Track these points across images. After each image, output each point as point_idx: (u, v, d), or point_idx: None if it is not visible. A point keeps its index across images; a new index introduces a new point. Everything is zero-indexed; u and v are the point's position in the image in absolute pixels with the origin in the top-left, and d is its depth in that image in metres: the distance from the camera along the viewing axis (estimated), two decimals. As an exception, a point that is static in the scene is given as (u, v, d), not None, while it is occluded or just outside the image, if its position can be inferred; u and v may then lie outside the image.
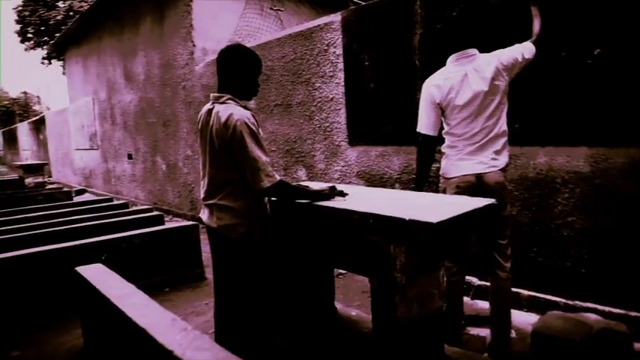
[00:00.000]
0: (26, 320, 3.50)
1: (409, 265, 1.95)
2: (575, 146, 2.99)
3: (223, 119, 2.11)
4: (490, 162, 2.56)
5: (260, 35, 6.70)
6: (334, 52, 4.52)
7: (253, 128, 2.11)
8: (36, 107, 27.95)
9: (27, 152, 22.30)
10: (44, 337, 3.29)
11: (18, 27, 24.44)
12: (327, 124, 4.70)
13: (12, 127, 27.08)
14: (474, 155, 2.58)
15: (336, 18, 4.48)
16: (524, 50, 2.56)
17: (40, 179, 11.25)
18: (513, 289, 3.12)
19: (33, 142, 20.85)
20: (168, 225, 4.99)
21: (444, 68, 2.67)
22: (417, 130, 2.72)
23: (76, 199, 11.20)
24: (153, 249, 4.23)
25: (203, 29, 7.13)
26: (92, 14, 10.41)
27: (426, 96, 2.69)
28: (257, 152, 2.07)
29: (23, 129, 23.06)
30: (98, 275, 2.71)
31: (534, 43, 2.61)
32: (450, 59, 2.65)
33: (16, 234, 4.74)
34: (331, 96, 4.61)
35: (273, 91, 5.44)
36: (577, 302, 2.97)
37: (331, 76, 4.59)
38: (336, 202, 2.19)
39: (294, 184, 2.48)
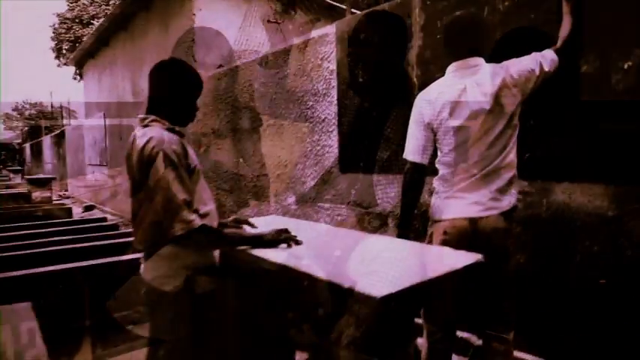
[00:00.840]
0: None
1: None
2: (598, 183, 2.41)
3: (140, 146, 1.69)
4: (489, 202, 2.03)
5: (261, 49, 6.36)
6: (328, 68, 4.07)
7: (174, 158, 1.65)
8: (65, 121, 28.45)
9: (49, 165, 22.59)
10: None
11: (53, 44, 25.04)
12: (319, 148, 4.23)
13: (38, 140, 27.58)
14: (469, 192, 2.06)
15: (330, 29, 4.05)
16: (544, 60, 2.01)
17: (47, 194, 11.07)
18: (520, 355, 2.55)
19: (53, 156, 21.09)
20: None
21: (441, 79, 2.17)
22: (404, 155, 2.22)
23: (85, 215, 11.04)
24: (118, 279, 3.80)
25: (206, 43, 6.83)
26: (107, 29, 10.35)
27: (415, 114, 2.19)
28: (173, 190, 1.62)
29: (47, 142, 23.42)
30: (12, 321, 2.30)
31: (558, 51, 2.05)
32: (450, 69, 2.14)
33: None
34: (323, 116, 4.15)
35: (266, 110, 5.02)
36: (599, 379, 2.37)
37: (324, 95, 4.13)
38: (280, 252, 1.71)
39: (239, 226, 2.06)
